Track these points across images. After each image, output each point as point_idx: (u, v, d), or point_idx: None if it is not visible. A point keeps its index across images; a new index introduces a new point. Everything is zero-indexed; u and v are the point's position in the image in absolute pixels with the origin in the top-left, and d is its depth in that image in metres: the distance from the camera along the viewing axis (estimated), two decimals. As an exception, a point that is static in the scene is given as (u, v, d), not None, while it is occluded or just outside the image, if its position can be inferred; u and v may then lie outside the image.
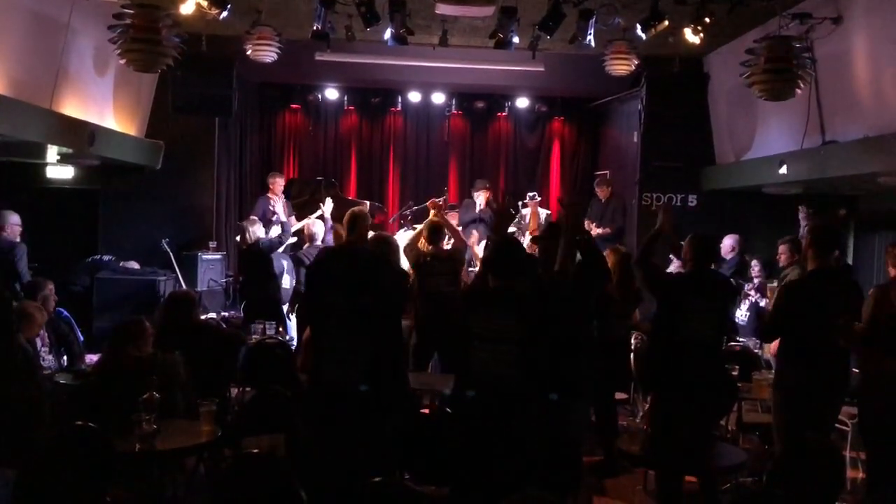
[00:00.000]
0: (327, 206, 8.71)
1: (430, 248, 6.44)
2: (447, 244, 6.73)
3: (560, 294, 4.07)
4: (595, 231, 9.81)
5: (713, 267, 4.83)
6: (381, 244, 4.90)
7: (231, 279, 9.36)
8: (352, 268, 4.07)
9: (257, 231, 7.72)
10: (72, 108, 7.27)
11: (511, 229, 10.18)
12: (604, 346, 5.23)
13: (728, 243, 8.50)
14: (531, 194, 10.15)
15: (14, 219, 7.00)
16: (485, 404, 3.66)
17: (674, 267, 8.17)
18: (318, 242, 8.03)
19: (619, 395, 6.22)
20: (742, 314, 7.62)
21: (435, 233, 6.49)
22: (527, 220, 10.07)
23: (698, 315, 4.45)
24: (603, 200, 10.37)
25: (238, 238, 8.05)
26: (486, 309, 3.72)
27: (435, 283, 6.34)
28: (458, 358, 3.94)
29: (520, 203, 10.32)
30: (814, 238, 4.65)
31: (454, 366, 4.05)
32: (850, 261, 8.95)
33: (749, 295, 7.66)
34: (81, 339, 6.40)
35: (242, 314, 7.53)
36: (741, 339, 6.84)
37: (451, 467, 3.83)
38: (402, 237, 8.10)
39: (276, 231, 8.25)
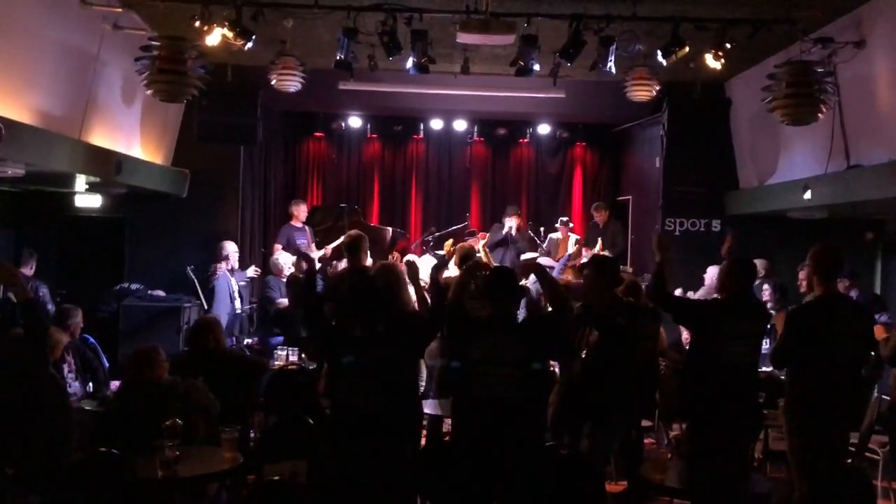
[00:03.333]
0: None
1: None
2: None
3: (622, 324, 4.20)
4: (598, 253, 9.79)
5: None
6: (387, 273, 4.85)
7: (255, 305, 9.41)
8: (365, 294, 4.06)
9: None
10: (100, 137, 7.38)
11: (532, 254, 10.19)
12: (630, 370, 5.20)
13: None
14: (563, 219, 10.15)
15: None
16: (488, 427, 3.67)
17: (702, 293, 8.10)
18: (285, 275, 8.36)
19: (644, 423, 6.12)
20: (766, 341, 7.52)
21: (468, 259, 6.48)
22: (559, 244, 10.06)
23: (739, 341, 4.41)
24: (601, 225, 10.39)
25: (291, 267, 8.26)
26: (485, 333, 3.76)
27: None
28: (458, 381, 3.92)
29: (541, 228, 10.33)
30: (817, 262, 4.57)
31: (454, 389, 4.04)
32: (877, 284, 8.82)
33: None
34: (107, 365, 6.45)
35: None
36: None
37: (460, 494, 3.81)
38: (425, 263, 8.10)
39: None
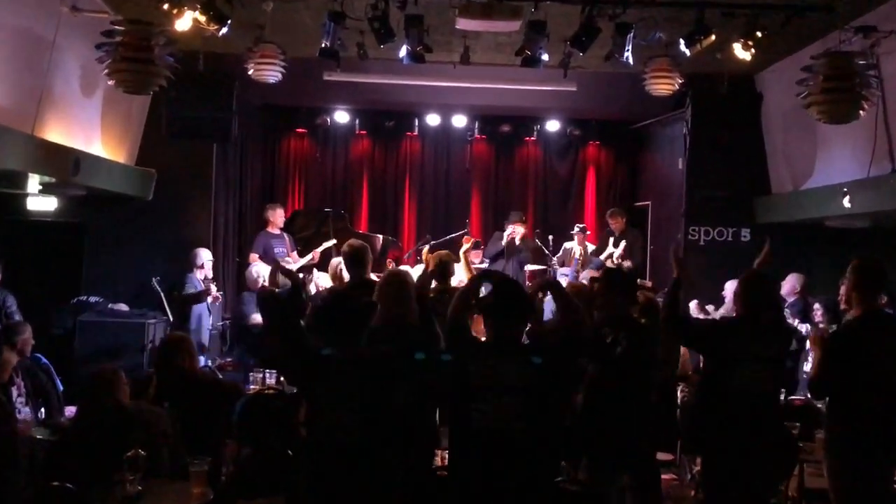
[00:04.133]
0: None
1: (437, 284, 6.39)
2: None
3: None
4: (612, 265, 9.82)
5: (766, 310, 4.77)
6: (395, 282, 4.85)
7: (229, 322, 9.39)
8: (348, 315, 4.05)
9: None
10: (56, 133, 7.38)
11: (538, 266, 10.20)
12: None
13: (790, 284, 8.39)
14: (580, 226, 10.17)
15: None
16: (488, 462, 3.64)
17: (723, 311, 8.09)
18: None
19: (664, 456, 6.11)
20: (809, 366, 7.49)
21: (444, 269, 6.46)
22: (573, 254, 10.08)
23: (751, 366, 4.39)
24: (617, 234, 10.37)
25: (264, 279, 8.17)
26: (487, 357, 3.73)
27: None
28: (454, 409, 3.90)
29: (550, 238, 10.34)
30: (858, 277, 4.53)
31: (449, 417, 4.04)
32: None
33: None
34: (61, 388, 6.41)
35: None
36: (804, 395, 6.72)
37: None
38: (418, 275, 8.06)
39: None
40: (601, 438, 4.54)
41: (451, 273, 6.48)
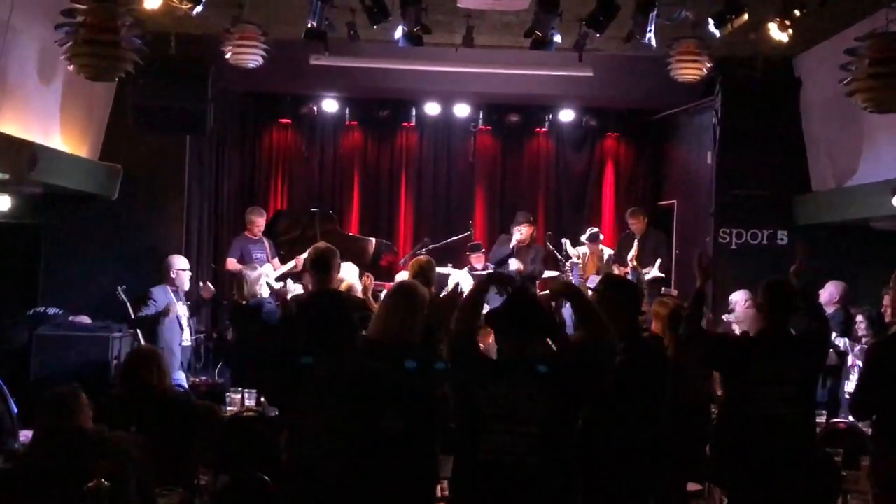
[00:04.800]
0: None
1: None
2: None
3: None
4: (653, 275, 9.82)
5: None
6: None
7: (203, 335, 9.38)
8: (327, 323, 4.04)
9: (257, 283, 7.80)
10: (10, 124, 7.39)
11: (551, 273, 10.19)
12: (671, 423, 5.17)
13: (829, 293, 8.38)
14: (593, 230, 10.15)
15: None
16: (497, 499, 3.60)
17: (731, 318, 8.12)
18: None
19: (692, 487, 6.09)
20: (852, 386, 7.47)
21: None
22: (581, 263, 10.08)
23: (774, 386, 4.38)
24: (637, 236, 10.35)
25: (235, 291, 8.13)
26: (497, 380, 3.66)
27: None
28: (459, 438, 3.85)
29: (563, 240, 10.34)
30: None
31: (455, 446, 3.97)
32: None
33: (858, 361, 7.51)
34: (16, 410, 6.40)
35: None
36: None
37: None
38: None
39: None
40: (599, 469, 4.46)
41: (431, 282, 6.45)
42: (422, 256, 6.77)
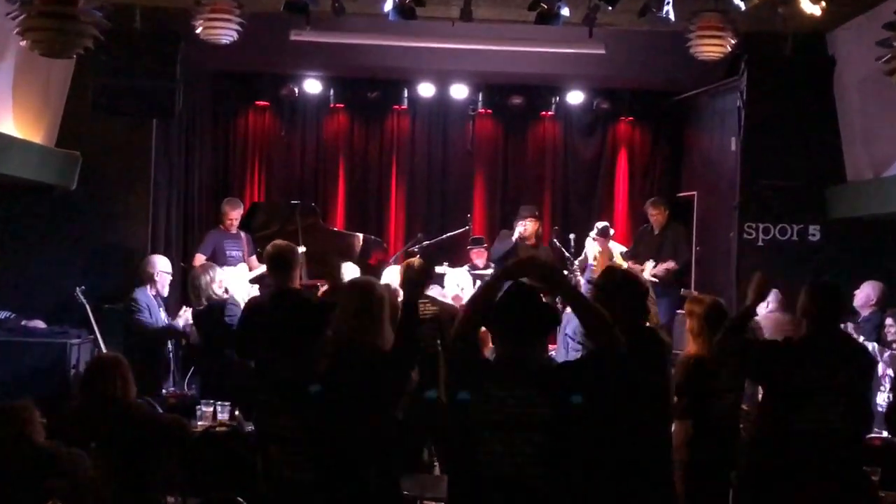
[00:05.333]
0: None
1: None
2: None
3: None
4: (654, 271, 9.83)
5: (841, 327, 4.79)
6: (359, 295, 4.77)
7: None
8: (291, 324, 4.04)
9: (214, 285, 7.69)
10: (-44, 107, 7.38)
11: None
12: (698, 437, 5.21)
13: (865, 294, 8.39)
14: (602, 225, 10.15)
15: None
16: None
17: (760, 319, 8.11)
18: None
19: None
20: (884, 397, 7.49)
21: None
22: (591, 261, 10.07)
23: (821, 397, 4.40)
24: (657, 230, 10.36)
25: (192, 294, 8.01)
26: (494, 385, 3.65)
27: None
28: (454, 451, 3.87)
29: (571, 237, 10.34)
30: None
31: (449, 462, 3.98)
32: None
33: (889, 370, 7.53)
34: (-38, 425, 6.41)
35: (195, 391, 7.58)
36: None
37: None
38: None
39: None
40: (597, 487, 4.44)
41: (419, 287, 6.42)
42: (413, 259, 6.76)
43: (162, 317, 8.18)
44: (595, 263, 10.12)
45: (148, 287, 8.17)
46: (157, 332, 8.01)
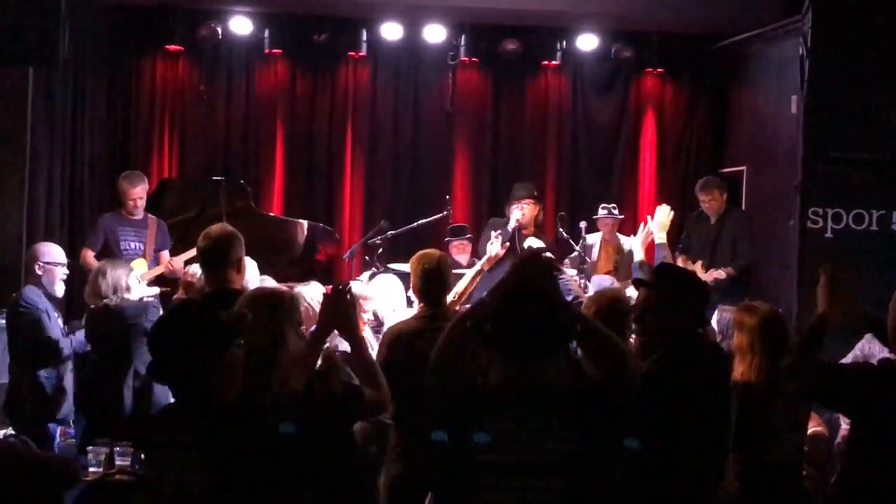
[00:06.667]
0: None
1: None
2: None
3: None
4: (706, 277, 9.78)
5: None
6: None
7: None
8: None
9: (121, 283, 7.64)
10: None
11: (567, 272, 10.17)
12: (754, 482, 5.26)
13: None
14: (607, 207, 10.12)
15: None
16: None
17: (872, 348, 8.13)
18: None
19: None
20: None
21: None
22: (592, 255, 10.05)
23: None
24: (713, 219, 10.32)
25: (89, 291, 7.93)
26: (497, 417, 3.67)
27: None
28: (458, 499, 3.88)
29: (582, 225, 10.33)
30: None
31: None
32: None
33: None
34: None
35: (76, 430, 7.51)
36: None
37: None
38: (377, 287, 8.04)
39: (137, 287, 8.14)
40: None
41: (446, 289, 6.44)
42: (433, 251, 6.70)
43: (60, 325, 8.02)
44: (595, 260, 10.12)
45: (34, 285, 7.90)
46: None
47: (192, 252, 9.32)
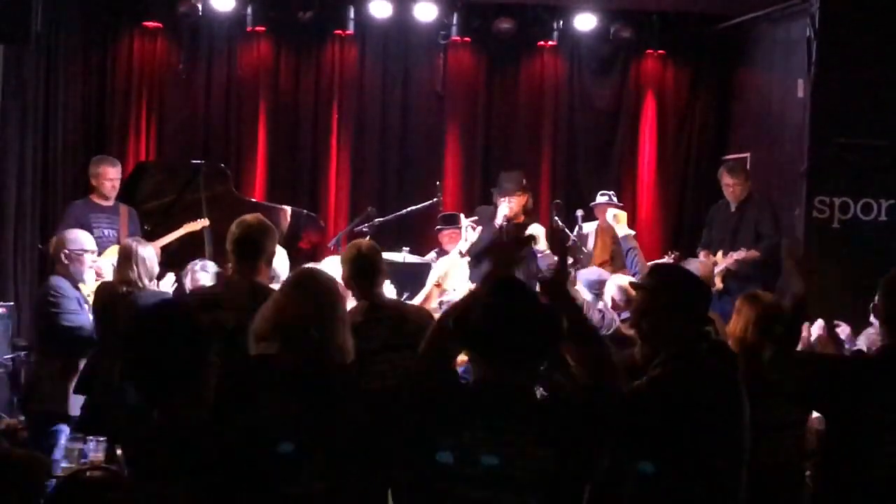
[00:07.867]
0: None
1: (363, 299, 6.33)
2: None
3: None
4: (726, 261, 9.75)
5: None
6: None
7: (25, 354, 9.33)
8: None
9: (155, 270, 7.55)
10: None
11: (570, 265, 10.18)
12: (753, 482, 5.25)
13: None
14: (605, 194, 10.13)
15: None
16: None
17: (864, 340, 8.17)
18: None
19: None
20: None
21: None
22: (589, 245, 10.04)
23: None
24: (733, 206, 10.29)
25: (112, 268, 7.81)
26: (474, 427, 3.62)
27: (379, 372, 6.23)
28: None
29: (579, 214, 10.35)
30: None
31: None
32: None
33: None
34: None
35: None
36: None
37: None
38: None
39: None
40: None
41: (380, 278, 6.42)
42: (362, 240, 6.72)
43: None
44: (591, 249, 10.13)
45: (62, 275, 7.62)
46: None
47: (169, 238, 9.41)
